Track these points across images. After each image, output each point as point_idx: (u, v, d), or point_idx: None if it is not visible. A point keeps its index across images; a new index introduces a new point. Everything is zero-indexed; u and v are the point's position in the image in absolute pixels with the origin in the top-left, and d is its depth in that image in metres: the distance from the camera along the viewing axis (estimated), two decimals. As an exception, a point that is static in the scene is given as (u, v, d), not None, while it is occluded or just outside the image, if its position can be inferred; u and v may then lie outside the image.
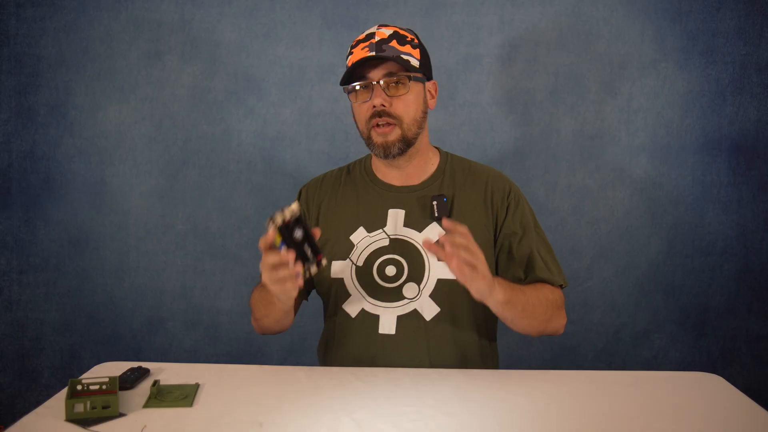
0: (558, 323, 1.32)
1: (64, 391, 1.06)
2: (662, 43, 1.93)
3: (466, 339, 1.33)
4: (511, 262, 1.34)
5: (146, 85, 1.98)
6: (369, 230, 1.35)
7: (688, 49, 1.93)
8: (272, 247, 1.07)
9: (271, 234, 1.06)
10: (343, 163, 1.52)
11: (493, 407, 1.08)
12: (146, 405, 1.07)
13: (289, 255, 1.05)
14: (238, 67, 1.97)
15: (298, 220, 1.08)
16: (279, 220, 1.06)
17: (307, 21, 1.96)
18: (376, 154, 1.34)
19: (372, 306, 1.32)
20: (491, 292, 1.16)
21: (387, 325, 1.31)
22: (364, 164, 1.45)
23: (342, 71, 1.94)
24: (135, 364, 1.23)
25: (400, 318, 1.31)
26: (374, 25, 1.34)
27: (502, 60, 1.95)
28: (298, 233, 1.07)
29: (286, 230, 1.07)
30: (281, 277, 1.07)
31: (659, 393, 1.15)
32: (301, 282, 1.09)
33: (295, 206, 1.07)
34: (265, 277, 1.09)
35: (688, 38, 1.92)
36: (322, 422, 1.01)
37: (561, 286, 1.36)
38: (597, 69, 1.95)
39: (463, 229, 1.11)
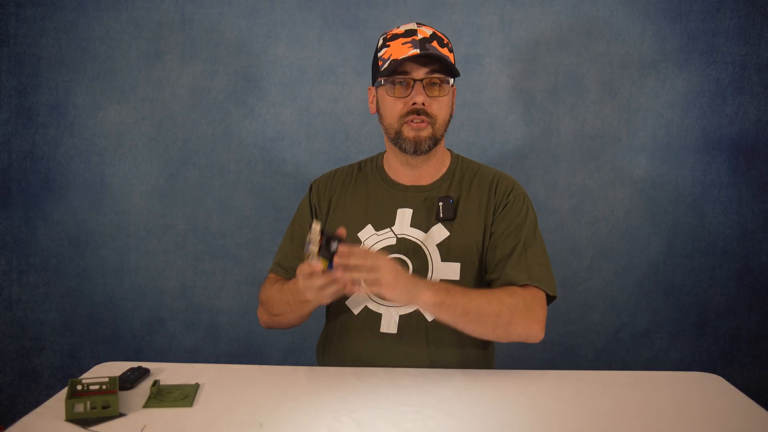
0: (523, 329, 1.23)
1: (64, 391, 1.06)
2: (662, 43, 1.93)
3: (467, 340, 1.33)
4: (492, 259, 1.33)
5: (146, 85, 1.98)
6: (377, 228, 1.36)
7: (688, 49, 1.93)
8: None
9: (316, 266, 1.10)
10: (343, 163, 1.52)
11: (493, 407, 1.08)
12: (146, 405, 1.07)
13: (336, 274, 1.11)
14: (238, 67, 1.97)
15: (324, 234, 1.10)
16: (315, 249, 1.08)
17: (307, 21, 1.96)
18: (404, 149, 1.33)
19: (375, 304, 1.33)
20: (413, 297, 1.17)
21: (388, 324, 1.31)
22: (376, 162, 1.46)
23: (343, 71, 1.98)
24: (135, 364, 1.23)
25: (402, 317, 1.31)
26: (412, 22, 1.34)
27: (502, 60, 1.95)
28: (334, 245, 1.10)
29: (325, 252, 1.09)
30: (330, 293, 1.14)
31: (659, 393, 1.15)
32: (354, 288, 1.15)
33: (315, 224, 1.09)
34: (311, 296, 1.17)
35: (688, 38, 1.92)
36: (322, 422, 1.01)
37: (549, 294, 1.30)
38: (597, 69, 1.95)
39: (357, 250, 1.13)
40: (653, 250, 1.98)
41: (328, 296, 1.16)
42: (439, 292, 1.18)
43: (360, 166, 1.48)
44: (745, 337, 2.00)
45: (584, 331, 2.00)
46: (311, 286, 1.14)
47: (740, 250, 1.97)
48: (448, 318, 1.21)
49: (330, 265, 1.10)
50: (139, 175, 2.00)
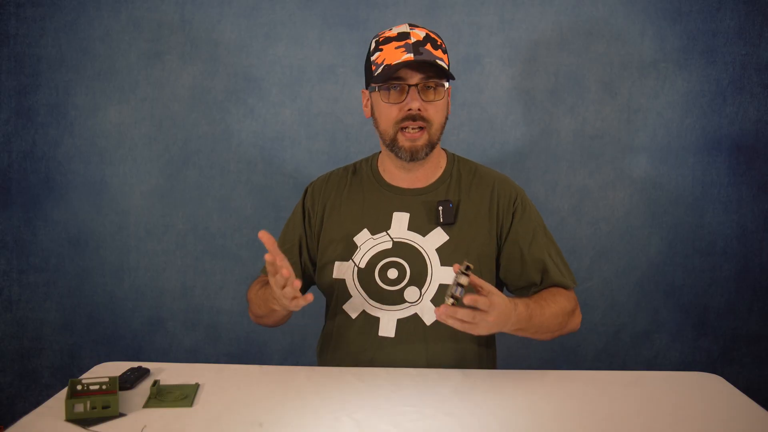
0: (571, 327, 1.33)
1: (64, 391, 1.06)
2: (662, 43, 1.93)
3: (465, 345, 1.33)
4: (524, 268, 1.34)
5: (146, 85, 1.98)
6: (373, 232, 1.35)
7: (688, 49, 1.93)
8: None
9: (448, 304, 1.07)
10: (343, 163, 1.51)
11: (493, 407, 1.08)
12: (146, 405, 1.07)
13: (296, 283, 1.10)
14: (238, 67, 1.97)
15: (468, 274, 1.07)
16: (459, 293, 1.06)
17: (307, 21, 1.96)
18: (400, 157, 1.32)
19: (373, 308, 1.32)
20: (502, 329, 1.16)
21: (387, 328, 1.31)
22: (371, 165, 1.44)
23: (343, 71, 1.98)
24: (135, 364, 1.23)
25: (400, 321, 1.31)
26: (404, 23, 1.32)
27: (502, 60, 1.95)
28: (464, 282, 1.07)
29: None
30: (296, 304, 1.13)
31: (659, 393, 1.15)
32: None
33: (465, 267, 1.06)
34: (278, 306, 1.19)
35: (688, 38, 1.92)
36: (322, 422, 1.01)
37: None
38: (597, 69, 1.95)
39: (482, 301, 1.07)
40: (653, 250, 1.98)
41: (294, 306, 1.14)
42: (521, 322, 1.19)
43: (355, 168, 1.46)
44: (745, 337, 2.00)
45: (584, 331, 1.98)
46: (284, 296, 1.12)
47: (740, 250, 1.97)
48: (523, 335, 1.26)
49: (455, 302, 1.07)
50: (139, 175, 2.00)
